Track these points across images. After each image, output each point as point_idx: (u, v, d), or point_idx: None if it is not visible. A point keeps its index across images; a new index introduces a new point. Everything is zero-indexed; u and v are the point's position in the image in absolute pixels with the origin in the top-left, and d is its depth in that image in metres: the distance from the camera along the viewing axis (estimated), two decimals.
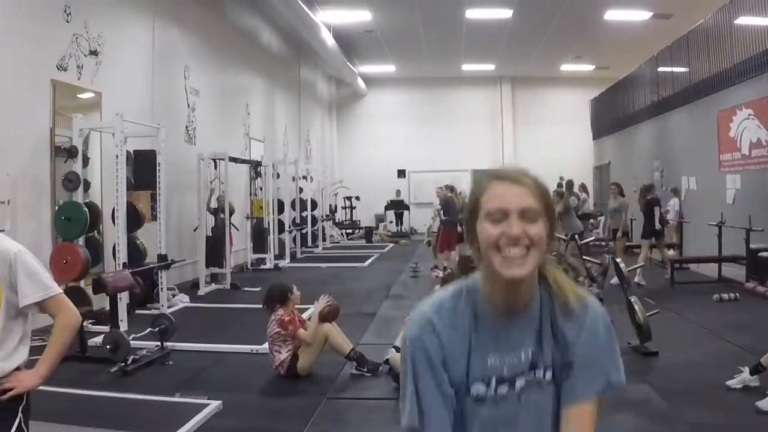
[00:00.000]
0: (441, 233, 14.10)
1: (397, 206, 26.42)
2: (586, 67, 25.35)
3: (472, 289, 1.76)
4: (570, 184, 17.14)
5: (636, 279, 11.81)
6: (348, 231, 25.46)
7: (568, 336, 1.73)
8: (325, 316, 6.70)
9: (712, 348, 7.43)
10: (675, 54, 15.79)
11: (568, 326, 1.73)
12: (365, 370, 6.60)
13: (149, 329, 7.51)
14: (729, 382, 5.80)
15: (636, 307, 7.04)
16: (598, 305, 1.77)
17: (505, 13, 18.06)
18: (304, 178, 19.81)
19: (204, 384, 6.44)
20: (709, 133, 13.44)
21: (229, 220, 13.11)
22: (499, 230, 1.63)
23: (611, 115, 22.56)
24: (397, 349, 6.46)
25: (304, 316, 7.22)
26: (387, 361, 6.55)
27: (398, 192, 27.03)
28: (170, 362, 7.17)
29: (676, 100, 15.57)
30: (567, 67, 25.62)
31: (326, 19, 18.07)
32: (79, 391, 6.07)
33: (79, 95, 9.85)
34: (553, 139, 26.91)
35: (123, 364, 6.72)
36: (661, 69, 17.05)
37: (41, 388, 5.99)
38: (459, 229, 14.83)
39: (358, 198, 25.91)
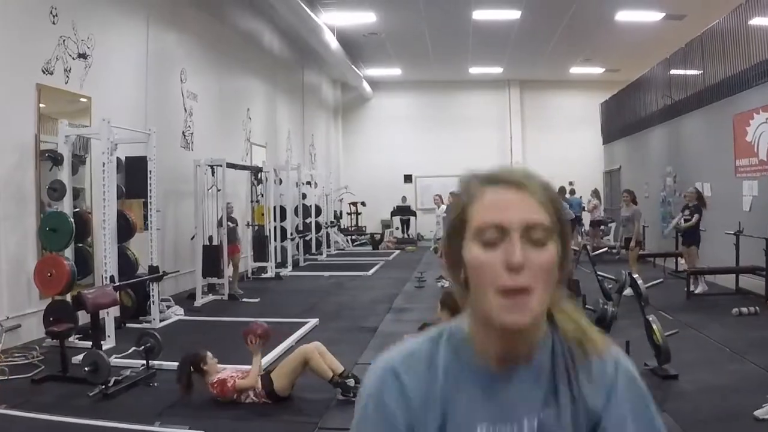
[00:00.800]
0: None
1: (404, 212, 26.01)
2: (596, 70, 24.92)
3: (455, 335, 1.30)
4: (562, 190, 16.55)
5: (699, 289, 11.47)
6: (353, 237, 25.06)
7: (590, 401, 1.24)
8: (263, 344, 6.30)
9: (735, 370, 6.95)
10: (688, 56, 15.32)
11: (591, 388, 1.25)
12: (351, 396, 6.02)
13: (133, 348, 7.08)
14: (757, 412, 5.32)
15: (654, 327, 6.56)
16: (626, 358, 1.30)
17: (513, 14, 17.63)
18: (308, 183, 19.42)
19: (188, 409, 6.00)
20: (724, 137, 12.96)
21: (231, 227, 12.66)
22: (493, 257, 1.17)
23: (622, 119, 22.08)
24: None
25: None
26: None
27: (404, 198, 26.61)
28: (155, 384, 6.73)
29: (690, 103, 15.09)
30: (576, 70, 25.18)
31: (329, 21, 17.66)
32: (53, 417, 5.67)
33: (67, 100, 9.42)
34: (562, 143, 26.44)
35: (103, 386, 6.29)
36: (673, 71, 16.57)
37: (14, 413, 5.68)
38: None
39: (363, 204, 25.55)
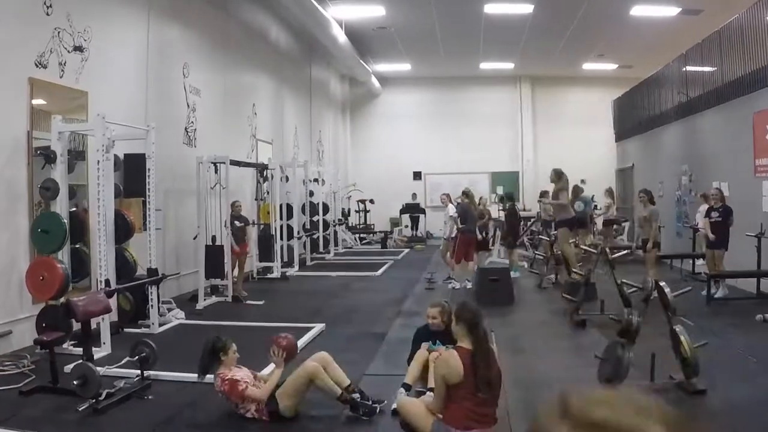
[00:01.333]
0: (459, 242, 13.25)
1: (413, 210, 25.64)
2: (609, 66, 24.45)
3: None
4: (577, 189, 15.93)
5: (720, 293, 11.24)
6: (362, 236, 24.69)
7: None
8: (286, 359, 5.92)
9: (765, 383, 6.53)
10: (705, 52, 14.89)
11: None
12: (360, 413, 5.69)
13: (127, 358, 6.68)
14: None
15: (682, 338, 6.13)
16: None
17: (526, 8, 17.19)
18: (316, 180, 19.05)
19: (184, 426, 5.64)
20: (743, 135, 12.54)
21: (239, 226, 12.27)
22: None
23: (635, 116, 21.71)
24: (407, 388, 5.74)
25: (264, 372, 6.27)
26: (395, 412, 5.52)
27: (414, 195, 26.23)
28: (149, 396, 6.34)
29: (707, 100, 14.67)
30: (589, 66, 24.70)
31: (338, 14, 17.25)
32: None
33: (64, 95, 9.04)
34: (573, 140, 25.92)
35: (94, 400, 5.90)
36: (690, 68, 16.14)
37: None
38: (480, 236, 14.09)
39: (372, 201, 25.18)
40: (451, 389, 4.78)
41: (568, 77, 26.26)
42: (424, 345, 5.96)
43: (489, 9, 17.26)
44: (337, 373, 5.86)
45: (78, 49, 9.20)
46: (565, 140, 26.03)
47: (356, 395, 5.80)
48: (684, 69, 16.52)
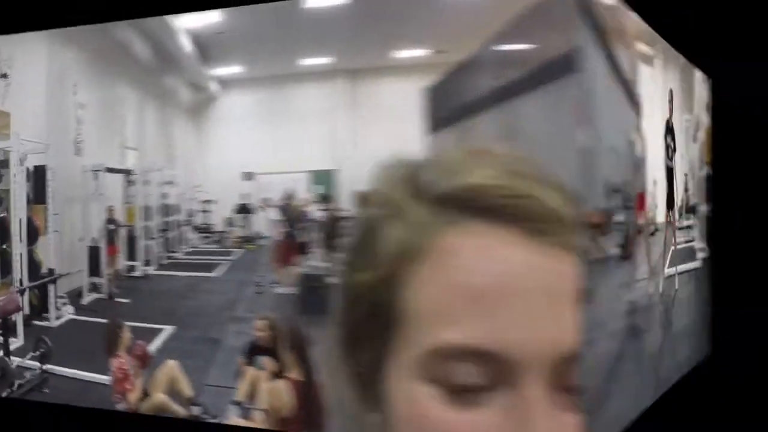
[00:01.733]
0: (282, 246, 13.54)
1: (243, 210, 26.35)
2: (422, 53, 24.67)
3: None
4: None
5: None
6: (205, 235, 25.33)
7: None
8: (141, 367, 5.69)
9: None
10: (527, 26, 14.56)
11: None
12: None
13: (30, 354, 6.88)
14: None
15: None
16: None
17: None
18: (169, 183, 19.81)
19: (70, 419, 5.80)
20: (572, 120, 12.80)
21: (112, 229, 13.35)
22: (471, 426, 0.58)
23: (447, 105, 21.57)
24: (238, 405, 5.17)
25: None
26: None
27: (245, 195, 26.95)
28: (47, 390, 6.61)
29: (530, 82, 14.34)
30: (403, 54, 24.84)
31: (185, 23, 18.05)
32: None
33: None
34: (392, 134, 26.05)
35: (10, 390, 6.46)
36: (507, 47, 15.92)
37: None
38: (299, 240, 14.59)
39: (212, 201, 25.88)
40: (279, 423, 4.57)
41: (384, 67, 25.78)
42: (247, 360, 5.51)
43: (308, 2, 17.60)
44: (182, 385, 5.69)
45: (3, 76, 10.30)
46: (384, 134, 26.43)
47: (196, 408, 5.56)
48: (501, 48, 16.39)
